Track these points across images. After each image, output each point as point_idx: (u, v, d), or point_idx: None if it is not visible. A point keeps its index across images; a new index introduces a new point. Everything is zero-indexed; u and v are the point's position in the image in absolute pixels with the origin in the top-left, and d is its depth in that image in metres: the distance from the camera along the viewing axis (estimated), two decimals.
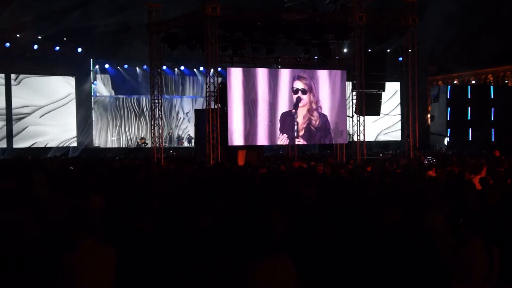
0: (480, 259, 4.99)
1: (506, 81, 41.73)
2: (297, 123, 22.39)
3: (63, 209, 6.25)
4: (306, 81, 22.62)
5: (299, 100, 22.39)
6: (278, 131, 22.09)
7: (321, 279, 5.47)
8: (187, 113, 38.15)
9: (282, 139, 22.43)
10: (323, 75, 23.17)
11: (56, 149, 33.40)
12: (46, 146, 33.64)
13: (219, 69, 21.58)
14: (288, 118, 22.29)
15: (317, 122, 22.80)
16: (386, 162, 18.75)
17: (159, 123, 23.86)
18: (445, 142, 36.42)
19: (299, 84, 22.56)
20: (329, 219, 6.29)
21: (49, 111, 34.43)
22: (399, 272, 5.42)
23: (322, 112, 22.87)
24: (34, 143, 33.77)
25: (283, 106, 22.15)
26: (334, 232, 5.87)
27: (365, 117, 24.00)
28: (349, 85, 24.60)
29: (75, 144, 34.89)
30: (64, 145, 34.54)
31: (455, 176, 11.83)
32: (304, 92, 22.54)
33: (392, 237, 5.74)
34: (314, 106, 22.73)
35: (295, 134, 22.43)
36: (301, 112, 22.52)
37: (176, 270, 5.58)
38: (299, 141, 22.99)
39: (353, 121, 24.02)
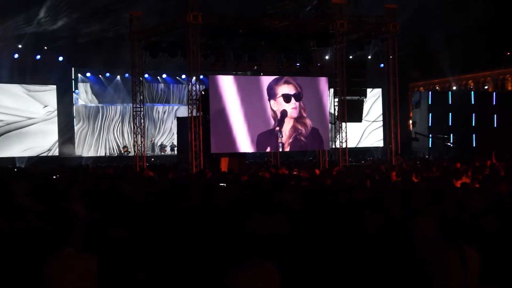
0: (458, 264, 5.01)
1: (486, 87, 42.21)
2: (282, 132, 22.32)
3: (43, 218, 6.17)
4: (296, 86, 22.58)
5: (284, 114, 22.27)
6: (261, 138, 22.01)
7: (306, 285, 5.46)
8: (168, 120, 38.08)
9: (266, 147, 22.44)
10: (305, 82, 23.20)
11: (36, 158, 33.01)
12: (27, 155, 33.24)
13: (201, 76, 21.55)
14: (272, 130, 22.20)
15: (304, 130, 22.76)
16: (367, 169, 18.83)
17: (141, 131, 23.75)
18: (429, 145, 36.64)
19: (289, 89, 22.50)
20: (312, 224, 6.28)
21: (31, 123, 34.11)
22: (382, 277, 5.43)
23: (306, 119, 22.86)
24: (15, 153, 33.39)
25: (265, 112, 22.10)
26: (317, 237, 5.87)
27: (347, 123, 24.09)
28: (331, 92, 24.68)
29: (56, 153, 34.54)
30: (46, 155, 34.16)
31: (437, 181, 11.90)
32: (297, 97, 22.47)
33: (374, 242, 5.74)
34: (303, 114, 22.70)
35: (280, 142, 22.38)
36: (288, 121, 22.45)
37: (160, 276, 5.54)
38: (286, 149, 22.99)
39: (335, 127, 24.08)
